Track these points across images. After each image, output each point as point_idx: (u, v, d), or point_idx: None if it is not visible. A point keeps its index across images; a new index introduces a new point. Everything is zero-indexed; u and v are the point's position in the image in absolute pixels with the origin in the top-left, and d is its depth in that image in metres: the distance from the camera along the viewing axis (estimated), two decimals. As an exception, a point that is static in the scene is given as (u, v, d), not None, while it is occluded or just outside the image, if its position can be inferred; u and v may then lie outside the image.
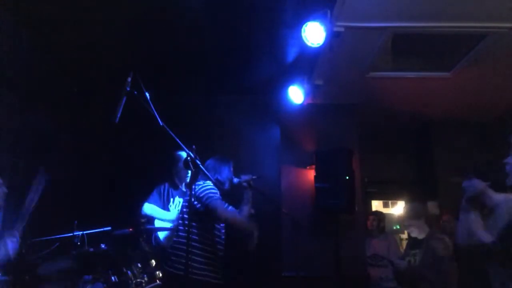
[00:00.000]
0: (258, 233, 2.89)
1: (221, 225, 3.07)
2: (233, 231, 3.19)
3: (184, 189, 3.91)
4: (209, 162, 3.13)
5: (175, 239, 3.02)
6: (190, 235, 2.63)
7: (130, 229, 3.41)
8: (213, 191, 2.93)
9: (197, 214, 2.86)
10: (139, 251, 3.52)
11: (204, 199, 2.85)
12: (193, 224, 2.79)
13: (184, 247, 2.78)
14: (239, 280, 3.44)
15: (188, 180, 3.87)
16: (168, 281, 3.02)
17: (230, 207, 3.29)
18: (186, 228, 2.83)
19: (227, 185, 3.10)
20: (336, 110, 4.86)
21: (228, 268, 2.97)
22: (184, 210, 3.05)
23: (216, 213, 2.86)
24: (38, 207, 2.90)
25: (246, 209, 3.23)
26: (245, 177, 3.18)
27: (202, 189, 2.91)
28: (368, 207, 6.01)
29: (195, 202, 2.86)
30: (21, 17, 3.60)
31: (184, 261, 2.71)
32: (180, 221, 3.04)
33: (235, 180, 3.16)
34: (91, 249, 3.36)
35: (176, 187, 3.93)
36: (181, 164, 3.87)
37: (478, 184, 2.46)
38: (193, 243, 2.79)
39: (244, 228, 2.92)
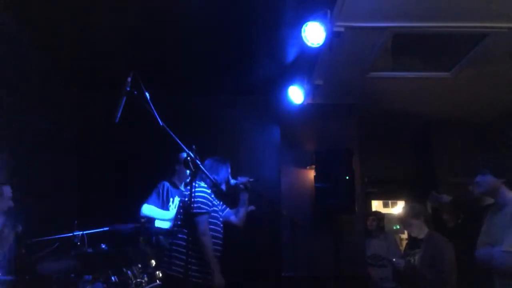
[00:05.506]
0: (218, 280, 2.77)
1: (220, 225, 3.06)
2: (232, 230, 3.19)
3: (183, 189, 3.90)
4: (207, 162, 3.12)
5: (172, 240, 2.99)
6: (188, 237, 2.62)
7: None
8: (205, 201, 2.89)
9: (190, 216, 2.82)
10: (139, 251, 3.52)
11: (193, 210, 2.78)
12: (190, 225, 2.75)
13: (182, 249, 2.78)
14: (239, 280, 3.44)
15: (188, 180, 3.87)
16: (167, 283, 3.00)
17: (227, 209, 3.28)
18: (184, 230, 2.83)
19: (223, 186, 3.08)
20: (336, 110, 4.85)
21: (227, 268, 2.96)
22: (181, 210, 3.03)
23: (197, 229, 2.80)
24: (38, 207, 2.90)
25: (242, 211, 3.22)
26: (242, 179, 3.17)
27: (196, 194, 2.86)
28: (368, 207, 6.01)
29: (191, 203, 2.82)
30: (21, 17, 3.60)
31: (182, 263, 2.70)
32: (178, 222, 3.01)
33: (232, 181, 3.15)
34: (91, 249, 3.36)
35: (175, 186, 3.93)
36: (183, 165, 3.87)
37: (492, 180, 2.43)
38: (191, 245, 2.77)
39: (209, 260, 2.78)
